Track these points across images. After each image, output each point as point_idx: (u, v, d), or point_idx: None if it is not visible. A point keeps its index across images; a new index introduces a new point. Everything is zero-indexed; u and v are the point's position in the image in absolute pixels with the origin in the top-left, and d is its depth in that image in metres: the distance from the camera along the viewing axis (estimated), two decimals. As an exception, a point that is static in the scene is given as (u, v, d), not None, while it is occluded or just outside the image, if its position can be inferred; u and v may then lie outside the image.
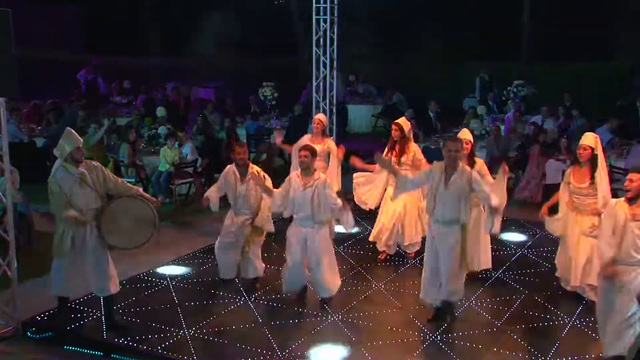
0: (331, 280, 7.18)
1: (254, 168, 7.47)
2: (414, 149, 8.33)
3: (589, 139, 6.99)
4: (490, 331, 6.63)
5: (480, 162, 7.63)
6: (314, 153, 7.03)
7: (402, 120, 8.46)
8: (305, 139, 8.71)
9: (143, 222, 6.48)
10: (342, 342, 6.36)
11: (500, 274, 8.04)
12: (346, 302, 7.22)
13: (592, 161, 6.90)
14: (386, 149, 8.35)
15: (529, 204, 10.71)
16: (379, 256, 8.55)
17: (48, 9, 21.48)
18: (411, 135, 8.44)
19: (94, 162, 6.55)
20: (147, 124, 13.32)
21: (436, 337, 6.48)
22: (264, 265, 7.72)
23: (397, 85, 17.49)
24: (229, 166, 7.59)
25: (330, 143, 8.79)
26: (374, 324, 6.80)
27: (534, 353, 6.16)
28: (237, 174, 7.43)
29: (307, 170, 6.95)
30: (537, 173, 11.12)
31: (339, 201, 6.90)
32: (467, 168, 6.59)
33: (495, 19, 18.42)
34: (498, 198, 6.63)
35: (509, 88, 15.31)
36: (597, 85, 16.71)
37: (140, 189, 6.80)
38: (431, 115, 14.18)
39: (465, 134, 7.65)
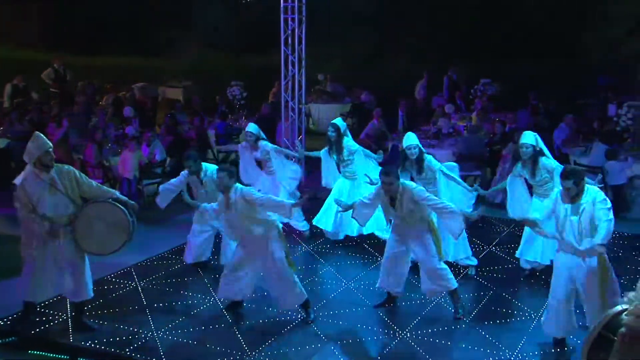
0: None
1: None
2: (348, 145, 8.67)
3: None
4: (459, 327, 6.69)
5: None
6: None
7: (338, 121, 8.83)
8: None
9: (117, 228, 6.34)
10: (312, 341, 6.37)
11: (469, 271, 8.11)
12: (316, 301, 7.22)
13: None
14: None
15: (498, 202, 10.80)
16: None
17: (12, 7, 21.11)
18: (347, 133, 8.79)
19: (65, 167, 6.39)
20: (114, 124, 13.15)
21: (405, 334, 6.52)
22: None
23: (365, 85, 17.53)
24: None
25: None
26: (344, 322, 6.81)
27: (501, 348, 6.24)
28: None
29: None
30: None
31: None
32: (407, 188, 6.60)
33: (463, 18, 18.60)
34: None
35: (476, 87, 15.47)
36: (563, 84, 16.95)
37: (117, 193, 6.63)
38: (400, 114, 14.26)
39: (409, 139, 7.80)
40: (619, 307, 3.85)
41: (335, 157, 8.81)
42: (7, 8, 20.92)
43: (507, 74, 16.52)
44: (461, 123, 13.31)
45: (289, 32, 10.85)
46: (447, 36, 18.79)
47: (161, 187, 8.15)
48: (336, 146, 8.68)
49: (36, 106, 13.77)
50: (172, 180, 7.90)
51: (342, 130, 8.67)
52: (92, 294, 6.56)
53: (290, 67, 10.98)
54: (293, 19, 10.81)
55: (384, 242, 8.47)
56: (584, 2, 17.91)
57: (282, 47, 10.92)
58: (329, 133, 8.70)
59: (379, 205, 6.86)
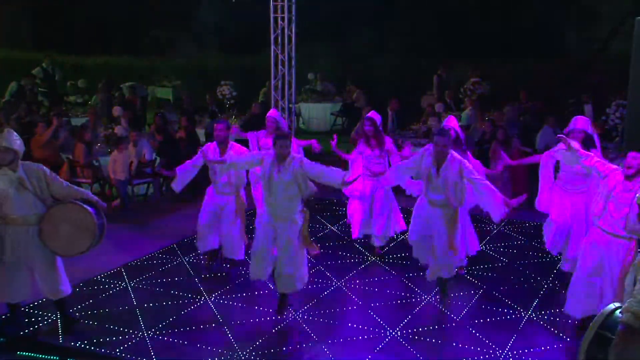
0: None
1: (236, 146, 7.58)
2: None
3: None
4: (450, 326, 6.71)
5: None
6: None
7: (374, 114, 8.54)
8: (262, 134, 8.98)
9: (83, 230, 6.22)
10: (304, 340, 6.37)
11: (459, 269, 8.12)
12: (307, 300, 7.22)
13: None
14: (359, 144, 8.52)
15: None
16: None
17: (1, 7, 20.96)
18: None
19: (35, 166, 6.29)
20: (102, 123, 13.09)
21: (396, 332, 6.53)
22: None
23: (356, 84, 17.54)
24: (208, 143, 7.72)
25: None
26: (335, 320, 6.82)
27: (492, 347, 6.26)
28: (218, 150, 7.51)
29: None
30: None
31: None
32: (457, 156, 6.74)
33: (451, 17, 18.63)
34: None
35: (465, 86, 15.51)
36: (551, 83, 17.01)
37: (89, 192, 6.52)
38: (389, 113, 14.27)
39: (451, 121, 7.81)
40: (612, 306, 3.89)
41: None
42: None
43: (497, 73, 16.56)
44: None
45: (279, 31, 10.83)
46: (437, 35, 18.82)
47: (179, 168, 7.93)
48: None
49: (25, 105, 13.67)
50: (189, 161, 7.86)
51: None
52: (69, 291, 6.51)
53: (280, 67, 10.97)
54: (283, 18, 10.79)
55: (375, 241, 8.55)
56: (571, 1, 18.00)
57: (272, 46, 10.91)
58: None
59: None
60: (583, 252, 6.32)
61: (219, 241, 7.89)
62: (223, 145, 7.58)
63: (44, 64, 16.73)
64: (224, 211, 7.77)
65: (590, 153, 6.43)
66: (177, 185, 7.83)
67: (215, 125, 7.75)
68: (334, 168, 6.63)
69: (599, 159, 6.37)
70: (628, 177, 5.81)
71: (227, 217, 7.76)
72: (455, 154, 6.80)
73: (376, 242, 8.58)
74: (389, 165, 8.27)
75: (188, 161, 7.88)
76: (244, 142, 8.84)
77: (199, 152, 7.71)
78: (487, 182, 6.79)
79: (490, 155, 11.33)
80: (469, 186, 6.85)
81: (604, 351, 3.69)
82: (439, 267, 7.02)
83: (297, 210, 6.64)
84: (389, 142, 8.42)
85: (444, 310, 7.03)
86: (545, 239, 7.70)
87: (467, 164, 6.83)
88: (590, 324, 3.88)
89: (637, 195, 4.02)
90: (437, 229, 6.92)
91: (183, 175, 7.80)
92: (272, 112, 9.22)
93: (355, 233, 8.66)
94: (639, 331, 3.56)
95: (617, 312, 3.69)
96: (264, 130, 9.12)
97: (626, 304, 3.67)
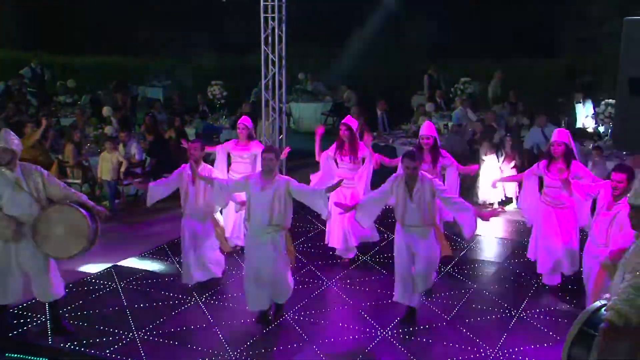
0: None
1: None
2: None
3: None
4: (440, 325, 6.73)
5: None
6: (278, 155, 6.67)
7: (350, 119, 8.40)
8: (231, 145, 8.62)
9: (76, 234, 6.17)
10: (294, 340, 6.37)
11: (449, 268, 8.16)
12: (297, 301, 7.22)
13: None
14: (334, 148, 8.29)
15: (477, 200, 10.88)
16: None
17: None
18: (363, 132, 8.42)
19: (33, 167, 6.27)
20: (92, 123, 13.03)
21: (387, 332, 6.54)
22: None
23: (347, 84, 17.54)
24: (184, 165, 7.40)
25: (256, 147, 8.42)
26: (326, 321, 6.82)
27: (482, 346, 6.28)
28: (190, 173, 7.25)
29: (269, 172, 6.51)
30: None
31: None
32: (427, 175, 6.56)
33: (442, 17, 18.66)
34: None
35: (456, 85, 15.54)
36: (542, 83, 17.08)
37: (85, 197, 6.47)
38: (378, 113, 14.29)
39: (424, 129, 7.83)
40: (598, 303, 3.91)
41: None
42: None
43: (487, 73, 16.61)
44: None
45: (269, 31, 10.81)
46: (427, 35, 18.85)
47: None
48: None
49: (13, 105, 13.59)
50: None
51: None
52: (62, 292, 6.47)
53: (270, 66, 10.95)
54: (273, 18, 10.77)
55: (365, 241, 8.52)
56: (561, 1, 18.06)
57: (262, 46, 10.88)
58: None
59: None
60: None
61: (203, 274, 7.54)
62: (196, 165, 7.20)
63: (32, 64, 16.63)
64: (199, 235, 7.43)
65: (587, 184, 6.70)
66: (148, 200, 7.46)
67: (189, 144, 7.43)
68: (320, 194, 6.48)
69: (590, 183, 6.65)
70: (615, 198, 5.95)
71: (204, 242, 7.46)
72: (425, 173, 6.59)
73: (350, 255, 8.38)
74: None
75: (163, 179, 7.73)
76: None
77: (175, 174, 7.41)
78: (460, 199, 6.69)
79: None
80: (440, 203, 6.74)
81: (587, 348, 3.71)
82: (421, 280, 6.67)
83: (279, 229, 6.44)
84: (362, 149, 8.19)
85: (424, 299, 6.94)
86: (529, 249, 7.80)
87: (438, 182, 6.66)
88: (575, 321, 3.91)
89: (629, 195, 4.06)
90: (418, 251, 6.59)
91: (153, 191, 7.42)
92: (242, 119, 8.70)
93: (331, 241, 8.40)
94: (622, 329, 3.58)
95: (603, 310, 3.71)
96: (234, 140, 8.78)
97: (611, 302, 3.69)
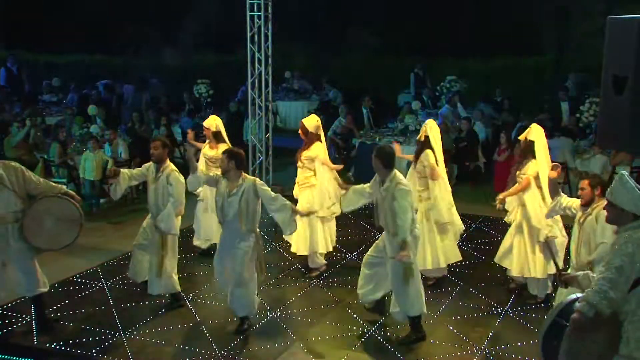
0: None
1: (170, 167, 6.78)
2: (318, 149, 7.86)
3: None
4: (427, 323, 6.72)
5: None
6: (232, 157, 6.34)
7: (306, 119, 8.01)
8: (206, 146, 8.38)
9: (67, 222, 6.30)
10: (281, 339, 6.36)
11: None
12: (284, 299, 7.21)
13: None
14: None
15: (466, 198, 10.87)
16: None
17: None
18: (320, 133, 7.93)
19: (12, 163, 6.30)
20: (77, 122, 12.94)
21: (374, 330, 6.55)
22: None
23: (333, 81, 17.54)
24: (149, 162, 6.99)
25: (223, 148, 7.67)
26: (312, 319, 6.82)
27: (469, 343, 6.31)
28: (154, 171, 6.87)
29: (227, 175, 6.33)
30: None
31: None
32: (397, 176, 6.10)
33: (429, 15, 18.70)
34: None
35: (442, 83, 15.58)
36: (527, 80, 17.17)
37: (64, 187, 6.53)
38: (364, 111, 14.30)
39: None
40: (573, 295, 3.95)
41: None
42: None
43: (473, 71, 16.68)
44: None
45: (255, 29, 10.79)
46: (414, 32, 18.88)
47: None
48: None
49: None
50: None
51: None
52: (47, 287, 6.47)
53: (256, 65, 10.93)
54: (259, 17, 10.75)
55: (351, 240, 8.55)
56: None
57: (249, 45, 10.85)
58: None
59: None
60: None
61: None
62: (159, 164, 6.80)
63: (8, 64, 16.49)
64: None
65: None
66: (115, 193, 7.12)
67: (151, 143, 6.97)
68: (287, 206, 6.31)
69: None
70: (584, 206, 5.94)
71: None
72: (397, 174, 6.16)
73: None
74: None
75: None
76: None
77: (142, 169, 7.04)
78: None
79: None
80: None
81: (559, 338, 3.75)
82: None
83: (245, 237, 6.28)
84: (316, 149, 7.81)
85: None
86: None
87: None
88: (549, 311, 3.94)
89: (607, 190, 4.08)
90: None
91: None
92: (207, 120, 8.42)
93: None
94: (593, 320, 3.62)
95: (577, 302, 3.75)
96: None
97: (584, 294, 3.74)
